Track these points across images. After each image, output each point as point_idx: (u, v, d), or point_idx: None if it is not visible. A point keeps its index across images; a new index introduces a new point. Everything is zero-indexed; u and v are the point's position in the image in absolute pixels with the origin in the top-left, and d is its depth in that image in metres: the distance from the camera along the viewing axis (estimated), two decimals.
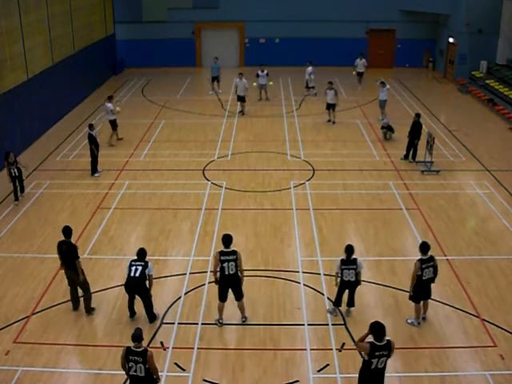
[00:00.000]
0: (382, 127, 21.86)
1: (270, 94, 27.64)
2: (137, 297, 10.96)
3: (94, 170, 18.25)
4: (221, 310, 10.92)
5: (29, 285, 12.34)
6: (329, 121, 23.86)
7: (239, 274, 10.71)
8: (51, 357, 10.17)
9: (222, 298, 10.81)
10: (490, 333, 10.73)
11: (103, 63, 31.75)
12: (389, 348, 8.15)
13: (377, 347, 8.08)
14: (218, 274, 10.66)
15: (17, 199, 16.23)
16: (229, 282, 10.67)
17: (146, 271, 10.67)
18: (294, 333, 10.79)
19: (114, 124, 21.20)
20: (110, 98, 21.55)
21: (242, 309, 11.02)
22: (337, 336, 10.63)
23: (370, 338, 8.18)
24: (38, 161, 19.65)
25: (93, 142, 17.97)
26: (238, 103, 25.30)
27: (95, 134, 18.20)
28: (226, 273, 10.54)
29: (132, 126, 21.84)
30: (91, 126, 18.27)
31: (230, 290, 10.80)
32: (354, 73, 28.61)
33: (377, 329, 8.12)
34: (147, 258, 10.94)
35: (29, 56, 21.22)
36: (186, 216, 15.55)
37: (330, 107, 23.66)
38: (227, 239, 10.67)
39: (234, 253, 10.56)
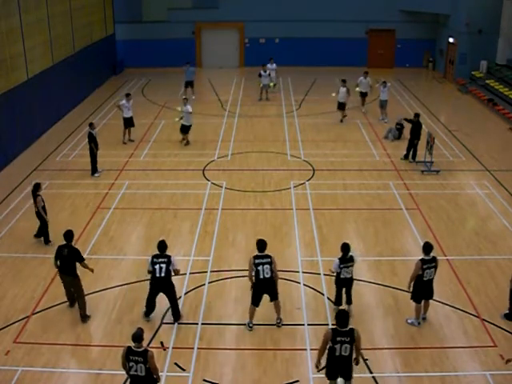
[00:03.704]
0: (397, 124, 21.76)
1: (270, 94, 27.64)
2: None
3: (93, 169, 18.24)
4: (252, 314, 10.84)
5: (29, 285, 12.33)
6: (342, 120, 23.97)
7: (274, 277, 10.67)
8: (51, 357, 10.17)
9: (256, 302, 10.75)
10: (489, 333, 10.74)
11: (103, 63, 31.75)
12: (351, 335, 8.44)
13: (338, 333, 8.42)
14: (254, 278, 10.62)
15: (49, 239, 13.97)
16: (264, 287, 10.60)
17: (171, 267, 10.66)
18: (294, 333, 10.79)
19: (130, 122, 21.29)
20: (127, 96, 21.54)
21: (277, 309, 10.89)
22: None
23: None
24: (38, 161, 19.64)
25: (92, 140, 17.95)
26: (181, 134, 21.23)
27: (95, 133, 18.20)
28: (261, 276, 10.48)
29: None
30: (92, 125, 18.26)
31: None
32: (356, 89, 25.34)
33: (339, 316, 8.51)
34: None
35: (29, 56, 21.21)
36: (185, 216, 15.55)
37: (341, 106, 23.80)
38: (261, 244, 10.67)
39: (268, 256, 10.57)
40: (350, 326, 8.50)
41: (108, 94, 28.76)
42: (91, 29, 29.50)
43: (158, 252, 10.76)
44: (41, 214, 13.75)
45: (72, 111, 25.75)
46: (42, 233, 14.00)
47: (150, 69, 34.05)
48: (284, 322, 10.98)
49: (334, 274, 11.06)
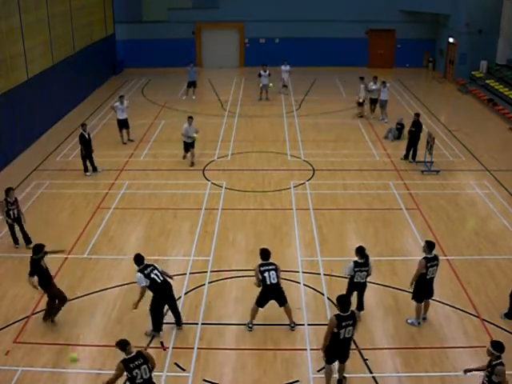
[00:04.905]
0: (397, 124, 21.77)
1: (270, 94, 27.63)
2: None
3: (86, 168, 18.26)
4: (254, 315, 10.82)
5: (29, 285, 12.29)
6: (362, 116, 24.48)
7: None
8: (51, 357, 10.18)
9: (260, 304, 10.75)
10: (490, 333, 10.73)
11: (103, 63, 31.75)
12: (353, 317, 8.98)
13: (343, 318, 8.90)
14: (261, 285, 10.61)
15: (17, 242, 13.90)
16: (271, 293, 10.61)
17: (160, 270, 10.54)
18: (294, 333, 10.79)
19: (125, 123, 21.14)
20: (121, 98, 21.44)
21: (288, 313, 10.83)
22: None
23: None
24: (38, 161, 19.65)
25: (83, 142, 17.94)
26: (185, 154, 19.31)
27: (87, 134, 18.16)
28: (268, 282, 10.49)
29: (132, 125, 21.80)
30: (83, 126, 18.25)
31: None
32: (360, 100, 24.53)
33: (342, 301, 8.99)
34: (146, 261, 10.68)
35: (29, 56, 21.22)
36: (185, 216, 15.54)
37: (362, 103, 24.09)
38: (265, 253, 10.72)
39: (273, 264, 10.62)
40: (351, 309, 9.03)
41: (108, 94, 28.76)
42: (91, 29, 29.50)
43: (140, 265, 10.43)
44: (20, 220, 13.73)
45: (72, 111, 25.75)
46: (24, 234, 13.86)
47: (150, 69, 34.04)
48: (284, 322, 10.97)
49: (347, 277, 10.97)
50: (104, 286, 12.26)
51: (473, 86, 29.33)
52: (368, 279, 11.15)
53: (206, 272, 12.79)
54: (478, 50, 29.94)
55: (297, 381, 9.62)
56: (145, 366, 8.07)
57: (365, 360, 10.02)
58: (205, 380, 9.63)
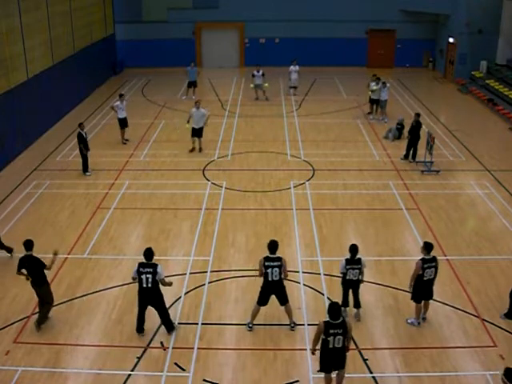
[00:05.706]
0: (397, 124, 21.73)
1: (270, 95, 27.61)
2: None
3: (85, 168, 18.24)
4: (254, 315, 10.78)
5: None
6: (369, 113, 24.50)
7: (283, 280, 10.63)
8: (51, 357, 10.18)
9: (262, 302, 10.71)
10: (490, 333, 10.74)
11: (103, 63, 31.76)
12: (344, 326, 8.63)
13: (331, 325, 8.60)
14: (263, 279, 10.56)
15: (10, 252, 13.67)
16: (272, 289, 10.57)
17: (157, 277, 10.24)
18: (294, 333, 10.79)
19: (125, 122, 21.09)
20: (121, 96, 21.42)
21: (289, 313, 10.83)
22: None
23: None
24: (38, 161, 19.65)
25: (81, 141, 17.96)
26: (193, 139, 20.28)
27: (85, 133, 18.18)
28: (270, 279, 10.44)
29: (132, 125, 21.82)
30: (81, 125, 18.26)
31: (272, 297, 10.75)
32: (369, 93, 24.41)
33: (331, 309, 8.66)
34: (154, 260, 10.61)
35: (29, 56, 21.22)
36: (186, 216, 15.55)
37: (374, 102, 24.08)
38: (273, 245, 10.55)
39: (279, 259, 10.47)
40: (341, 318, 8.71)
41: (108, 94, 28.76)
42: (91, 29, 29.51)
43: (147, 260, 10.34)
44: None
45: (72, 111, 25.75)
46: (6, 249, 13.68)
47: (150, 69, 34.06)
48: (284, 322, 10.97)
49: (341, 275, 11.01)
50: (104, 286, 12.26)
51: (473, 85, 29.34)
52: (368, 279, 11.15)
53: (206, 272, 12.79)
54: (477, 50, 29.95)
55: (297, 381, 9.62)
56: None
57: (365, 360, 10.02)
58: (205, 380, 9.64)
